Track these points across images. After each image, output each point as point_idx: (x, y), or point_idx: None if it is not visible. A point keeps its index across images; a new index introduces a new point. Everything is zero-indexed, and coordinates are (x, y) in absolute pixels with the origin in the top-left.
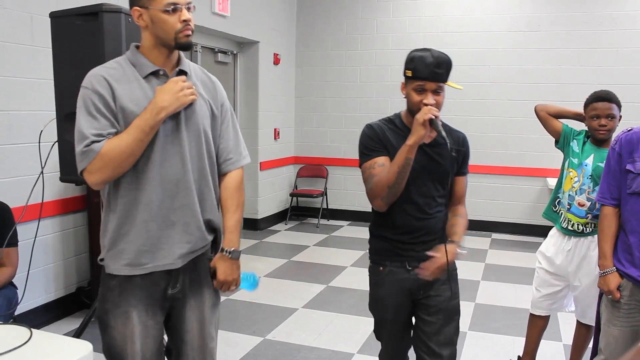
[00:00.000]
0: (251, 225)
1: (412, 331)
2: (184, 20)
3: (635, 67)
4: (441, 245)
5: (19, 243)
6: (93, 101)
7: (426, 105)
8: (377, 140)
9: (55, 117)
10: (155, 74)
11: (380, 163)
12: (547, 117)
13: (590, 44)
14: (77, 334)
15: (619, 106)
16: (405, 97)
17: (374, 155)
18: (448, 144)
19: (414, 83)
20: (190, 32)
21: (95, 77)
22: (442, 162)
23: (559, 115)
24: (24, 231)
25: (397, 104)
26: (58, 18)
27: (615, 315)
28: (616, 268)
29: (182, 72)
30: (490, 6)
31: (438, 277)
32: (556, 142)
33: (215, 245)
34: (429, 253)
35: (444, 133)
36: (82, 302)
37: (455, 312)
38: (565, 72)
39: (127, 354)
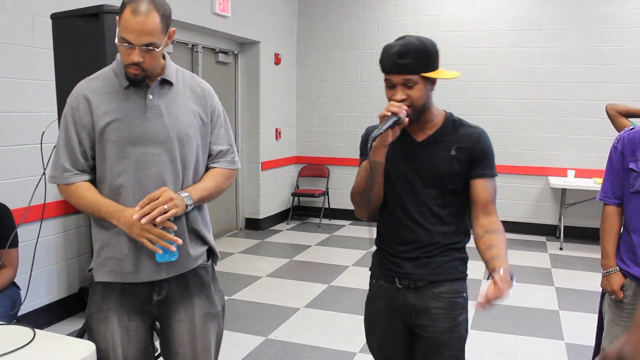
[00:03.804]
0: (253, 225)
1: None
2: (132, 61)
3: (637, 65)
4: (497, 275)
5: (21, 244)
6: (74, 129)
7: (395, 101)
8: (366, 143)
9: (56, 119)
10: (135, 84)
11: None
12: (615, 115)
13: (591, 43)
14: (80, 334)
15: None
16: None
17: (362, 159)
18: (369, 146)
19: (384, 77)
20: (137, 72)
21: (77, 95)
22: (437, 163)
23: (628, 114)
24: (27, 232)
25: None
26: (59, 19)
27: (619, 315)
28: (619, 268)
29: (164, 82)
30: (491, 5)
31: (437, 305)
32: None
33: (211, 254)
34: (479, 300)
35: (377, 133)
36: (85, 303)
37: (456, 348)
38: (566, 71)
39: (110, 358)
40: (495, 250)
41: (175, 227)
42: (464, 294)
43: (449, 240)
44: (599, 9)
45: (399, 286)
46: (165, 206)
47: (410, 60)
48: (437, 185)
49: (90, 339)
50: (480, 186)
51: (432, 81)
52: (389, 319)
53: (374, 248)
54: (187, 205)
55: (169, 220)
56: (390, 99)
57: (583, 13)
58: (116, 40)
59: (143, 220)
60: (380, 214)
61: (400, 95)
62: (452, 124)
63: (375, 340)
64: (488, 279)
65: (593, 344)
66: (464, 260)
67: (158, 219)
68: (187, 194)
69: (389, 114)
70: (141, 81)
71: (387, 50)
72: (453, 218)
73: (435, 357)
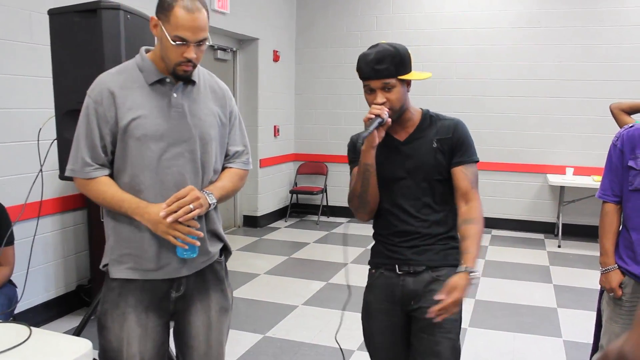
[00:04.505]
0: (251, 222)
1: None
2: (187, 58)
3: (636, 62)
4: (450, 279)
5: (18, 241)
6: (96, 123)
7: (376, 105)
8: (354, 151)
9: (54, 115)
10: (161, 81)
11: (355, 174)
12: (619, 114)
13: (591, 40)
14: (77, 332)
15: None
16: None
17: (352, 166)
18: (358, 145)
19: (363, 84)
20: (189, 69)
21: (100, 89)
22: (422, 157)
23: (633, 110)
24: (24, 229)
25: None
26: (56, 15)
27: (617, 312)
28: (618, 265)
29: (189, 81)
30: (491, 3)
31: (435, 288)
32: None
33: (224, 251)
34: (437, 297)
35: (365, 134)
36: (82, 300)
37: (451, 329)
38: (566, 69)
39: (123, 356)
40: (467, 243)
41: (199, 225)
42: None
43: (444, 228)
44: (599, 7)
45: (399, 272)
46: (191, 205)
47: (387, 65)
48: (425, 178)
49: (101, 337)
50: (459, 173)
51: (408, 83)
52: (387, 306)
53: (372, 243)
54: (210, 205)
55: (193, 218)
56: (370, 104)
57: (582, 11)
58: (167, 36)
59: (169, 219)
60: (378, 214)
61: (380, 98)
62: (430, 119)
63: (371, 327)
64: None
65: (591, 342)
66: (456, 247)
67: (183, 218)
68: (211, 192)
69: (373, 116)
70: (189, 78)
71: (363, 58)
72: (444, 206)
73: (431, 339)
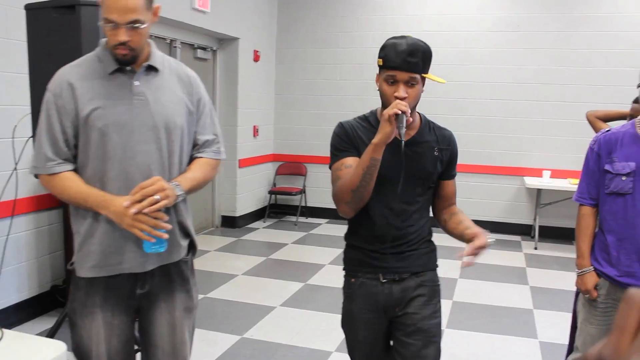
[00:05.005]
0: (229, 222)
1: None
2: (119, 41)
3: (612, 68)
4: (475, 231)
5: None
6: (57, 117)
7: (397, 98)
8: (347, 139)
9: (30, 112)
10: (121, 70)
11: (348, 164)
12: (594, 121)
13: (568, 45)
14: (51, 333)
15: None
16: (378, 90)
17: (342, 155)
18: (402, 143)
19: (385, 73)
20: (126, 52)
21: (59, 82)
22: (422, 163)
23: (607, 118)
24: None
25: (376, 103)
26: (33, 10)
27: (592, 313)
28: (593, 267)
29: (150, 68)
30: (470, 7)
31: (422, 292)
32: None
33: (191, 248)
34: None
35: (402, 131)
36: (56, 301)
37: (436, 333)
38: (543, 73)
39: (92, 354)
40: (466, 223)
41: (167, 217)
42: (439, 283)
43: (426, 232)
44: (577, 13)
45: (383, 281)
46: (157, 196)
47: (418, 60)
48: (421, 184)
49: (73, 333)
50: (450, 185)
51: (424, 82)
52: (371, 315)
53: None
54: (177, 196)
55: (160, 210)
56: (388, 95)
57: (561, 16)
58: (100, 23)
59: (132, 210)
60: (360, 213)
61: (403, 92)
62: (429, 125)
63: (356, 337)
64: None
65: (567, 343)
66: (436, 251)
67: (147, 209)
68: (178, 184)
69: (400, 112)
70: (131, 62)
71: (394, 47)
72: (427, 212)
73: (417, 343)
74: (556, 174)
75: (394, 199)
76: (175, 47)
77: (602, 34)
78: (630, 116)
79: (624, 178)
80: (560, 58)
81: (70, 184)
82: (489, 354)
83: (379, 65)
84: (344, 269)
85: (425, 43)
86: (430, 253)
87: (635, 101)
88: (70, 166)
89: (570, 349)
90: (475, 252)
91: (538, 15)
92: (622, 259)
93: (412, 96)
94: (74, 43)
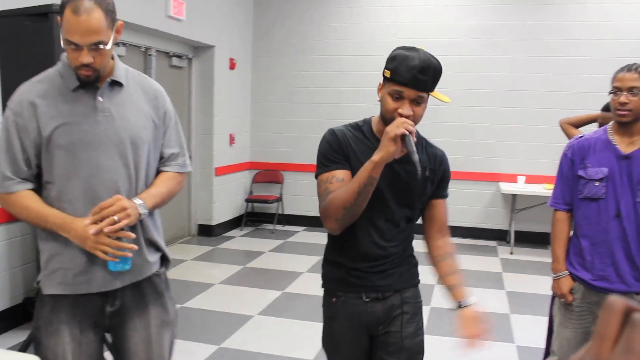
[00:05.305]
0: (206, 231)
1: None
2: (82, 63)
3: (584, 74)
4: (463, 316)
5: None
6: (16, 135)
7: (401, 115)
8: (339, 149)
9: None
10: (83, 86)
11: (340, 178)
12: (567, 127)
13: (541, 52)
14: (23, 347)
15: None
16: (379, 101)
17: (333, 167)
18: (418, 170)
19: (391, 86)
20: (89, 73)
21: (20, 100)
22: (412, 183)
23: (579, 124)
24: None
25: (352, 111)
26: (5, 18)
27: (568, 317)
28: (568, 271)
29: (114, 83)
30: (446, 15)
31: (405, 310)
32: None
33: (164, 261)
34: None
35: (416, 155)
36: (29, 314)
37: (420, 351)
38: (517, 79)
39: None
40: (456, 277)
41: (134, 236)
42: (421, 300)
43: (408, 248)
44: (548, 21)
45: (366, 300)
46: (116, 217)
47: (428, 78)
48: (409, 204)
49: (38, 353)
50: (441, 206)
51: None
52: (354, 335)
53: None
54: (140, 214)
55: (123, 229)
56: (390, 110)
57: (533, 24)
58: (62, 44)
59: (91, 230)
60: (344, 232)
61: (408, 110)
62: (422, 142)
63: (338, 358)
64: (459, 307)
65: (543, 347)
66: (417, 265)
67: (107, 229)
68: (142, 201)
69: (407, 132)
70: (94, 82)
71: (405, 61)
72: (412, 231)
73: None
74: (531, 179)
75: (381, 218)
76: (150, 55)
77: (574, 42)
78: (600, 123)
79: (597, 183)
80: (533, 65)
81: (29, 203)
82: (467, 359)
83: (385, 77)
84: (323, 287)
85: (437, 60)
86: (413, 269)
87: (604, 109)
88: (29, 185)
89: (547, 352)
90: (471, 345)
91: (512, 23)
92: (596, 263)
93: (417, 115)
94: (47, 51)
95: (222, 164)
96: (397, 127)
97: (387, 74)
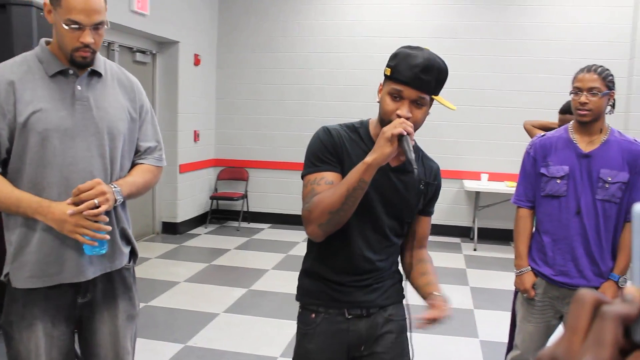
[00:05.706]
0: (170, 229)
1: None
2: (83, 43)
3: (546, 74)
4: (435, 298)
5: None
6: None
7: (400, 117)
8: (332, 149)
9: None
10: (63, 73)
11: (329, 180)
12: (531, 129)
13: (505, 53)
14: None
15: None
16: (378, 102)
17: (323, 168)
18: (415, 172)
19: (390, 85)
20: (87, 54)
21: None
22: (406, 195)
23: (542, 128)
24: None
25: (317, 108)
26: None
27: (530, 312)
28: (531, 267)
29: (94, 72)
30: (412, 14)
31: (390, 329)
32: None
33: (132, 255)
34: (426, 316)
35: (412, 157)
36: None
37: None
38: (481, 79)
39: None
40: (429, 277)
41: (107, 219)
42: (406, 317)
43: (394, 262)
44: (513, 21)
45: (348, 317)
46: (96, 200)
47: (431, 79)
48: (400, 217)
49: (10, 347)
50: (425, 223)
51: (431, 105)
52: (331, 355)
53: (296, 253)
54: (117, 200)
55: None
56: (389, 111)
57: (498, 24)
58: (63, 25)
59: (69, 211)
60: (330, 239)
61: (406, 111)
62: (419, 153)
63: None
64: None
65: (506, 341)
66: (402, 280)
67: (87, 213)
68: (118, 188)
69: (405, 133)
70: (89, 65)
71: (407, 59)
72: (399, 245)
73: None
74: (494, 177)
75: (370, 228)
76: (113, 50)
77: (536, 42)
78: (559, 126)
79: (558, 181)
80: (496, 65)
81: (0, 187)
82: (431, 354)
83: (386, 75)
84: (298, 300)
85: (443, 61)
86: (398, 284)
87: (561, 111)
88: None
89: (510, 346)
90: (430, 324)
91: (475, 22)
92: (558, 259)
93: (417, 118)
94: (5, 43)
95: (187, 161)
96: (395, 127)
97: (388, 71)
